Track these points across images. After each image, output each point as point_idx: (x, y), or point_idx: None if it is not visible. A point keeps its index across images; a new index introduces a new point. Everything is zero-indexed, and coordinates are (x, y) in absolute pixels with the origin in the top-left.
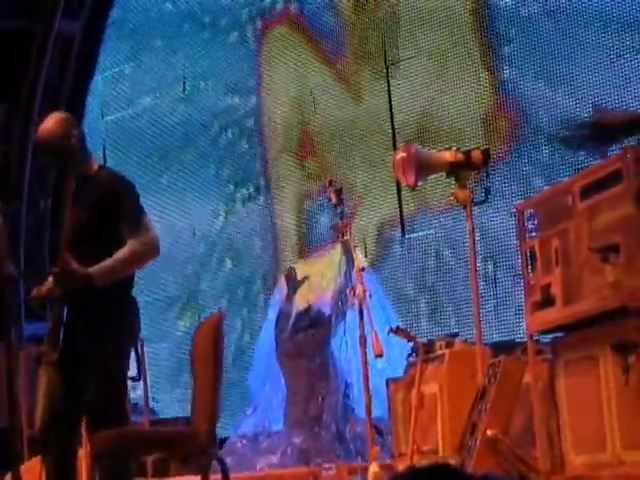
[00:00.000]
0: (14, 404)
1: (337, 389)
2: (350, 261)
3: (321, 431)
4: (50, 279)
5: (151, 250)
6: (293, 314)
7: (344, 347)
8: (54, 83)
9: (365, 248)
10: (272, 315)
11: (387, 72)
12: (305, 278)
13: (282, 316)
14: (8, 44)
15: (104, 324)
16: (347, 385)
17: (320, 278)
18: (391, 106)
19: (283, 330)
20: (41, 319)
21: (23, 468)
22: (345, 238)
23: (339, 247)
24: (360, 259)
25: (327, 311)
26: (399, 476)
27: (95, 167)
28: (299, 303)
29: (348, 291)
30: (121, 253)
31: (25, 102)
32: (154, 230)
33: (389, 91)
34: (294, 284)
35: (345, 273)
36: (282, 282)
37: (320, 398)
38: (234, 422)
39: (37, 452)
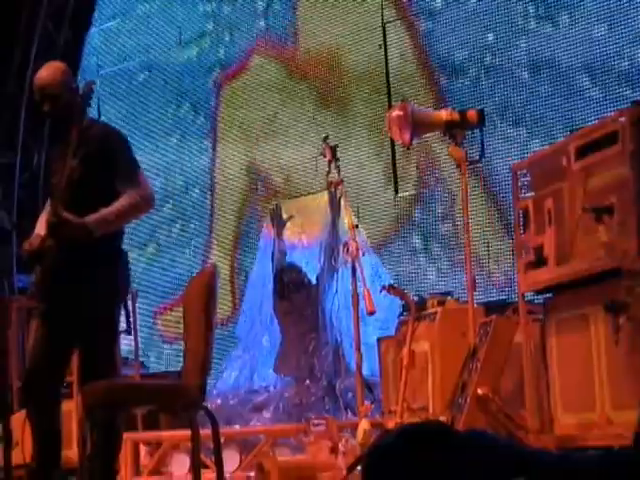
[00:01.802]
0: (3, 356)
1: (328, 344)
2: (335, 213)
3: (312, 385)
4: (38, 232)
5: (146, 203)
6: (284, 256)
7: (336, 304)
8: (49, 37)
9: (357, 206)
10: (262, 257)
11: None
12: (291, 216)
13: (275, 254)
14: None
15: (94, 277)
16: (337, 340)
17: (308, 217)
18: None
19: (277, 269)
20: (31, 271)
21: (13, 420)
22: (338, 195)
23: (326, 195)
24: (352, 217)
25: (317, 266)
26: (392, 435)
27: (89, 121)
28: (289, 240)
29: (341, 247)
30: (117, 204)
31: (20, 57)
32: (149, 184)
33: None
34: (280, 221)
35: (331, 223)
36: (268, 220)
37: (311, 352)
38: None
39: (25, 404)
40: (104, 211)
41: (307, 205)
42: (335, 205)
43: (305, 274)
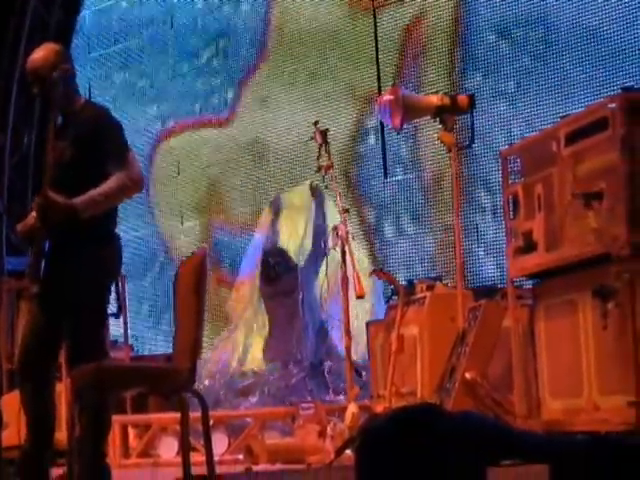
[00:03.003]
0: None
1: (311, 326)
2: (320, 201)
3: (294, 367)
4: (33, 214)
5: (135, 184)
6: (274, 239)
7: (325, 287)
8: (41, 19)
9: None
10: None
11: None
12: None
13: (267, 242)
14: None
15: (85, 259)
16: (322, 323)
17: (295, 210)
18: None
19: (265, 253)
20: (22, 254)
21: (3, 400)
22: (330, 179)
23: (307, 185)
24: (342, 201)
25: (306, 251)
26: (381, 419)
27: (81, 102)
28: (283, 232)
29: (331, 231)
30: (106, 186)
31: (12, 38)
32: (139, 166)
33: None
34: (278, 210)
35: (315, 212)
36: (267, 211)
37: (294, 336)
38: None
39: (16, 385)
40: (92, 192)
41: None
42: (319, 190)
43: (291, 257)
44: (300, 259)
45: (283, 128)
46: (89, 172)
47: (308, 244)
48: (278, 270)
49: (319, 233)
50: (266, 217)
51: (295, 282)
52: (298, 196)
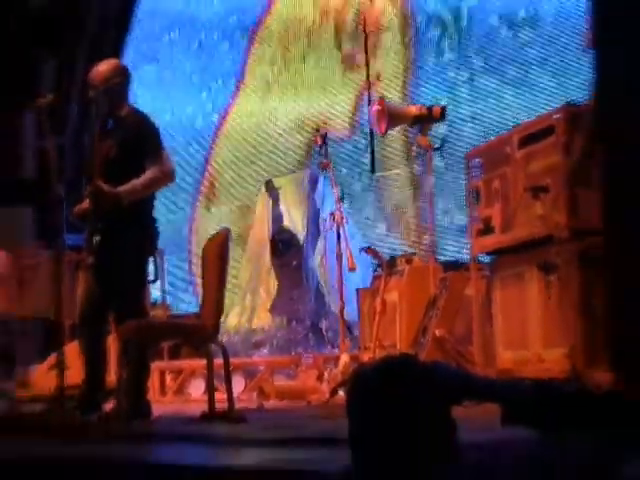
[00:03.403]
0: (59, 300)
1: (311, 292)
2: (313, 188)
3: (298, 326)
4: (86, 200)
5: (167, 177)
6: (280, 220)
7: (323, 261)
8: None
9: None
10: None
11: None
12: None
13: (270, 220)
14: (58, 8)
15: (128, 237)
16: (319, 288)
17: (292, 194)
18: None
19: (273, 232)
20: (80, 231)
21: (65, 349)
22: (329, 172)
23: (305, 173)
24: (338, 192)
25: (304, 231)
26: (367, 366)
27: (127, 109)
28: (286, 215)
29: (328, 216)
30: (143, 178)
31: (71, 55)
32: (171, 162)
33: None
34: (273, 192)
35: (313, 198)
36: (263, 196)
37: (297, 299)
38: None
39: (76, 337)
40: (132, 182)
41: (291, 180)
42: (313, 182)
43: (295, 235)
44: (301, 238)
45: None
46: (130, 167)
47: (308, 225)
48: (284, 246)
49: (316, 216)
50: (264, 202)
51: (298, 256)
52: (294, 183)
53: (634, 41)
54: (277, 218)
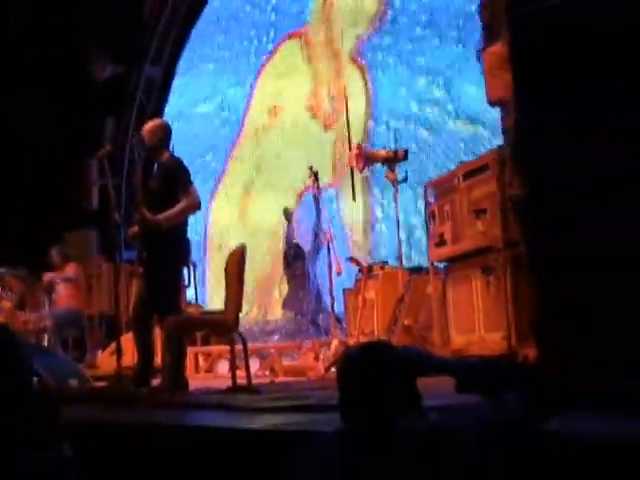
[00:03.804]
0: (117, 300)
1: (312, 293)
2: (318, 212)
3: (302, 320)
4: (136, 225)
5: (194, 207)
6: (291, 238)
7: (319, 270)
8: (143, 103)
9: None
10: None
11: None
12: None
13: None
14: (115, 81)
15: (167, 253)
16: (319, 291)
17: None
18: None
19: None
20: (133, 248)
21: (122, 339)
22: (320, 201)
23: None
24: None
25: (308, 247)
26: (352, 349)
27: (166, 155)
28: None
29: (322, 235)
30: (176, 207)
31: (126, 114)
32: (197, 194)
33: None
34: (289, 217)
35: (315, 220)
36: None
37: (302, 299)
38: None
39: (131, 329)
40: (169, 212)
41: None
42: (317, 207)
43: (302, 249)
44: (306, 251)
45: None
46: (167, 199)
47: (311, 241)
48: (292, 257)
49: (317, 234)
50: (281, 224)
51: (303, 266)
52: (302, 210)
53: (542, 93)
54: (289, 237)
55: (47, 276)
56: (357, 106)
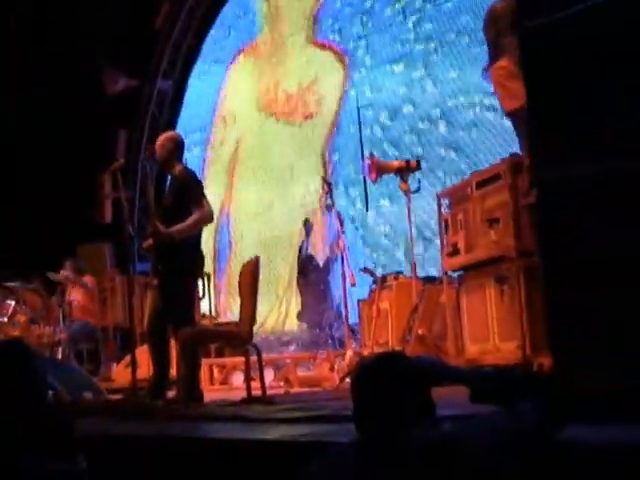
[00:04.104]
0: (132, 313)
1: (330, 306)
2: (333, 225)
3: (318, 330)
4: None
5: (206, 219)
6: (307, 250)
7: (336, 281)
8: (156, 116)
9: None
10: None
11: None
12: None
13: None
14: (130, 94)
15: (181, 265)
16: (339, 305)
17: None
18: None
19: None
20: (146, 260)
21: (137, 351)
22: (333, 212)
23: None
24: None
25: (324, 258)
26: (367, 359)
27: (179, 168)
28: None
29: (334, 246)
30: (189, 220)
31: (139, 128)
32: (210, 205)
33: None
34: (308, 228)
35: (330, 233)
36: (302, 228)
37: (319, 310)
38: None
39: (145, 341)
40: (181, 224)
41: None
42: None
43: (317, 260)
44: (321, 262)
45: None
46: (180, 211)
47: (327, 252)
48: (308, 269)
49: (332, 246)
50: (300, 235)
51: (319, 276)
52: (320, 222)
53: (557, 110)
54: (306, 249)
55: (62, 274)
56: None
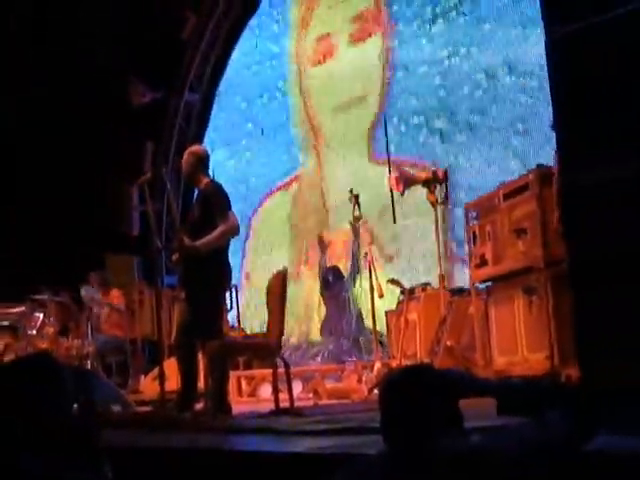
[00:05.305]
0: (160, 325)
1: (353, 316)
2: (357, 239)
3: (344, 341)
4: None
5: (232, 231)
6: (325, 265)
7: (360, 292)
8: (183, 129)
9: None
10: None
11: None
12: (329, 243)
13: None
14: (156, 106)
15: (207, 277)
16: (359, 313)
17: (341, 245)
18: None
19: (323, 270)
20: (174, 273)
21: (165, 364)
22: (358, 226)
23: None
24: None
25: (347, 270)
26: (395, 371)
27: (206, 181)
28: (329, 258)
29: (363, 259)
30: (215, 232)
31: (166, 140)
32: (235, 218)
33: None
34: (322, 243)
35: (354, 245)
36: (315, 243)
37: (344, 321)
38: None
39: (173, 354)
40: (207, 237)
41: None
42: (356, 231)
43: (340, 272)
44: (345, 274)
45: None
46: (206, 224)
47: (349, 265)
48: (332, 280)
49: (355, 257)
50: (315, 253)
51: (342, 287)
52: (340, 234)
53: (578, 126)
54: (325, 262)
55: (87, 295)
56: None
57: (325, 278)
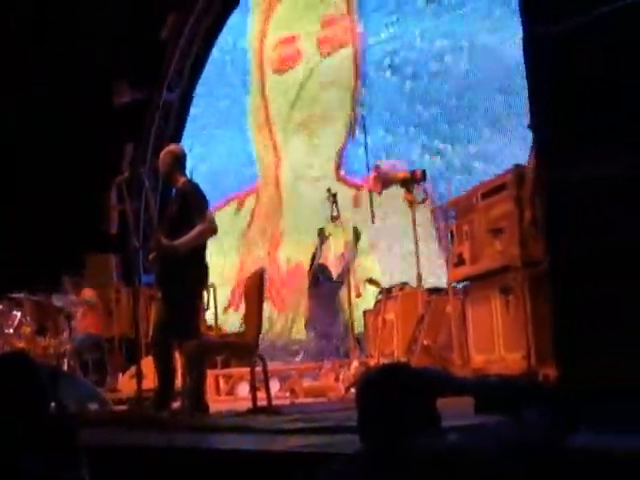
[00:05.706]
0: (137, 324)
1: (338, 319)
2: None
3: (328, 343)
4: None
5: (210, 231)
6: (319, 257)
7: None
8: (161, 128)
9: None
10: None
11: None
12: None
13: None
14: (136, 106)
15: (185, 277)
16: (343, 313)
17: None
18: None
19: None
20: (152, 272)
21: (142, 362)
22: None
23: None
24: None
25: (338, 271)
26: (372, 370)
27: (183, 180)
28: (325, 254)
29: (340, 256)
30: (192, 232)
31: (144, 140)
32: (214, 218)
33: None
34: (323, 239)
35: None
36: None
37: (328, 321)
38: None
39: (151, 352)
40: (185, 237)
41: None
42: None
43: (330, 272)
44: (335, 274)
45: None
46: (184, 224)
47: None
48: (321, 279)
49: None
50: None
51: (330, 288)
52: (340, 233)
53: (562, 125)
54: (319, 260)
55: (63, 299)
56: None
57: (315, 275)
